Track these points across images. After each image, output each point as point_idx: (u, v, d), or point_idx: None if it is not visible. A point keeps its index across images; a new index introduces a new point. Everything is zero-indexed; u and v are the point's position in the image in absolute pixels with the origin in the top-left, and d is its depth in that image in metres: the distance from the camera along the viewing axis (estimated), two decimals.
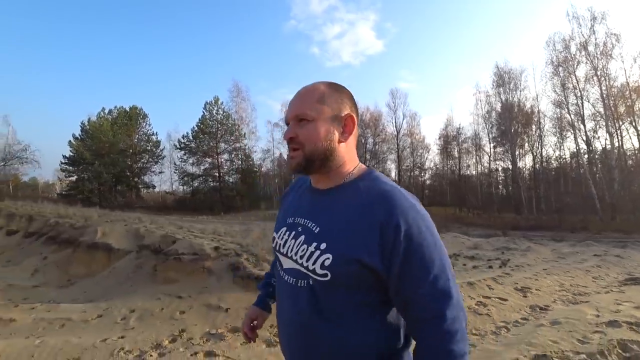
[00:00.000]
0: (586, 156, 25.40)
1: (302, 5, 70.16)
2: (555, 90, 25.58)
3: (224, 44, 67.73)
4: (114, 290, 5.43)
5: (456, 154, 36.22)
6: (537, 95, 28.91)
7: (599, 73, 22.79)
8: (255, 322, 1.17)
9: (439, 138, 37.49)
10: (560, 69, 25.01)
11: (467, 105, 71.72)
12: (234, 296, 4.06)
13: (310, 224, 0.88)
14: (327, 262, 0.80)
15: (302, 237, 0.87)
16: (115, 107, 32.37)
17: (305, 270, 0.84)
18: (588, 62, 23.41)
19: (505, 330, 3.54)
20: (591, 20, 23.15)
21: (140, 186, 32.06)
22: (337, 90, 0.90)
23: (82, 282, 6.25)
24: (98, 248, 6.31)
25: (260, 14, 69.70)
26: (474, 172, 35.87)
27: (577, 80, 24.17)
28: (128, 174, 30.32)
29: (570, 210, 22.21)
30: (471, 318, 3.81)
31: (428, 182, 41.94)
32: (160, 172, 33.20)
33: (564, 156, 29.74)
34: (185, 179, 30.93)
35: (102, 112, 31.30)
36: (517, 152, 29.95)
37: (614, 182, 21.76)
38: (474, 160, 35.16)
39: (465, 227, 19.76)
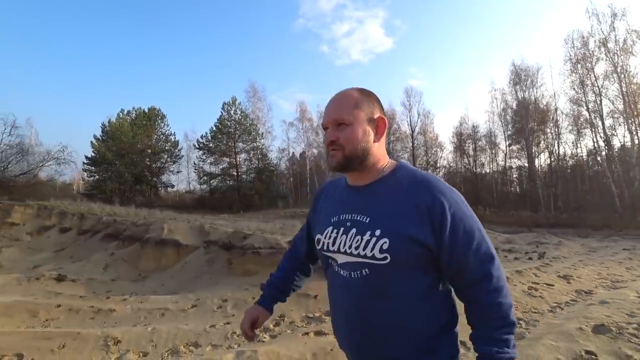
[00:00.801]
0: (604, 153, 25.65)
1: (310, 3, 70.64)
2: (573, 88, 25.85)
3: (233, 44, 68.70)
4: (192, 282, 5.95)
5: (471, 152, 36.50)
6: (554, 93, 29.15)
7: (619, 70, 23.04)
8: (256, 321, 1.22)
9: (453, 136, 37.83)
10: (579, 65, 25.30)
11: (478, 103, 71.42)
12: (317, 284, 4.65)
13: (359, 217, 0.97)
14: (385, 246, 0.90)
15: (354, 229, 0.97)
16: (134, 108, 33.59)
17: (362, 259, 0.94)
18: (608, 59, 23.68)
19: (560, 309, 4.13)
20: (611, 16, 23.39)
21: (159, 186, 33.13)
22: (368, 95, 1.02)
23: (154, 276, 6.83)
24: (167, 244, 6.95)
25: (268, 13, 70.28)
26: (487, 170, 36.17)
27: (595, 77, 24.46)
28: (147, 173, 31.33)
29: (590, 208, 22.48)
30: (527, 300, 4.41)
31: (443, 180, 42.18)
32: (178, 172, 34.44)
33: (581, 154, 29.96)
34: (204, 178, 31.99)
35: (120, 113, 32.45)
36: (533, 150, 30.22)
37: (635, 180, 22.02)
38: (488, 158, 35.48)
39: (486, 224, 20.12)
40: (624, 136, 24.16)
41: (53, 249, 9.91)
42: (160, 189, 33.36)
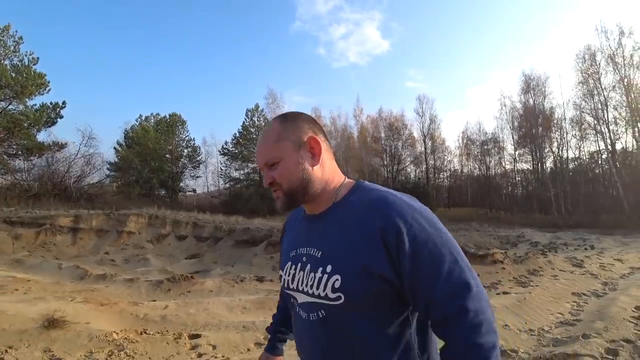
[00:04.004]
0: (604, 157, 29.68)
1: (307, 5, 73.40)
2: (583, 98, 29.78)
3: (232, 47, 70.27)
4: None
5: (480, 156, 40.04)
6: (563, 102, 33.07)
7: (625, 82, 27.02)
8: None
9: (460, 139, 41.32)
10: (587, 75, 29.24)
11: (479, 106, 75.50)
12: None
13: (312, 251, 0.94)
14: (337, 284, 0.85)
15: (308, 266, 0.93)
16: (152, 113, 36.04)
17: (317, 300, 0.89)
18: (615, 72, 27.65)
19: (626, 277, 7.26)
20: (619, 34, 27.35)
21: (180, 190, 35.59)
22: (293, 120, 0.98)
23: None
24: None
25: (266, 16, 72.47)
26: (492, 173, 39.65)
27: (602, 88, 28.44)
28: (168, 178, 33.70)
29: (601, 209, 26.01)
30: (603, 272, 7.51)
31: (448, 183, 45.67)
32: (197, 177, 37.06)
33: (583, 158, 33.94)
34: (230, 183, 34.77)
35: (139, 119, 34.85)
36: (541, 154, 34.05)
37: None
38: (495, 161, 39.08)
39: (504, 225, 23.31)
40: (625, 142, 28.22)
41: (183, 255, 12.08)
42: (180, 193, 35.74)
